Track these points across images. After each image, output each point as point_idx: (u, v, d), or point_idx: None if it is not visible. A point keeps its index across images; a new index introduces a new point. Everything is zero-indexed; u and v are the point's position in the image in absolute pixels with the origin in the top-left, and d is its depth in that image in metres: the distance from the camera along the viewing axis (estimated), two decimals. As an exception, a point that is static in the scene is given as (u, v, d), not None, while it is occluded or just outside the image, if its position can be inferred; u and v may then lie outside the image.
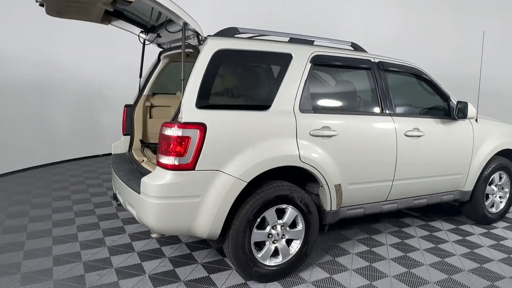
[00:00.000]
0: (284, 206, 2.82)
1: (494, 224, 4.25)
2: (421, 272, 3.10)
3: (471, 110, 3.60)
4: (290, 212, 2.84)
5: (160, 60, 3.66)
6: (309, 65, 2.98)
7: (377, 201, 3.38)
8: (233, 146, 2.60)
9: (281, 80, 2.87)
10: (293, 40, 3.14)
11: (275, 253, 2.87)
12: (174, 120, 2.54)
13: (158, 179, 2.49)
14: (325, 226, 3.11)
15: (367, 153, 3.17)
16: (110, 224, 3.92)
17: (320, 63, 3.05)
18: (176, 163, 2.46)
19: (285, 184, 2.80)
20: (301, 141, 2.82)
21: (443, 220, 4.34)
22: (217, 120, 2.56)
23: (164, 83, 3.94)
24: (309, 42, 3.18)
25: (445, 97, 3.77)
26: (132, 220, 4.00)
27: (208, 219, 2.57)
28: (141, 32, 3.60)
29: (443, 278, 3.01)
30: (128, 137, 3.77)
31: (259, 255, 2.79)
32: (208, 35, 2.76)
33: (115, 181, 3.19)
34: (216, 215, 2.57)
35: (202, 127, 2.49)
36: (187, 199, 2.52)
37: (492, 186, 4.15)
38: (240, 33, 2.91)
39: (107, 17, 3.41)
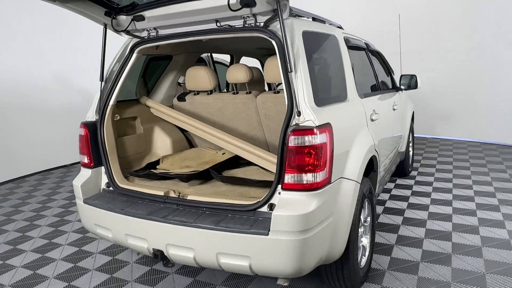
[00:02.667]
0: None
1: (410, 174, 5.17)
2: (428, 225, 3.51)
3: (419, 82, 4.20)
4: (367, 207, 2.66)
5: (132, 54, 2.62)
6: (346, 47, 2.77)
7: (385, 175, 3.56)
8: (346, 145, 2.20)
9: (342, 65, 2.58)
10: (316, 20, 2.83)
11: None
12: (296, 125, 1.91)
13: (301, 207, 1.86)
14: None
15: (387, 131, 3.27)
16: None
17: (348, 45, 2.88)
18: (319, 180, 1.90)
19: (364, 178, 2.59)
20: (370, 129, 2.65)
21: (380, 181, 4.96)
22: (334, 117, 2.10)
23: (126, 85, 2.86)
24: (323, 22, 2.94)
25: (389, 72, 4.24)
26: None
27: (340, 238, 2.12)
28: (106, 14, 2.45)
29: (445, 229, 3.51)
30: (98, 170, 2.59)
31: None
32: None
33: (154, 233, 2.15)
34: (346, 230, 2.15)
35: (331, 128, 1.99)
36: (326, 221, 1.99)
37: (407, 144, 4.99)
38: (294, 14, 2.42)
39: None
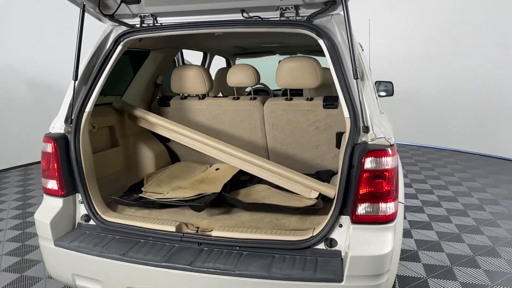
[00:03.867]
0: None
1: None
2: (421, 236, 3.47)
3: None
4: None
5: (117, 47, 2.03)
6: (362, 50, 2.52)
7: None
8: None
9: (370, 72, 2.30)
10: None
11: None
12: (365, 144, 1.58)
13: (381, 245, 1.55)
14: None
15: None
16: None
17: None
18: (394, 210, 1.59)
19: None
20: (392, 141, 2.43)
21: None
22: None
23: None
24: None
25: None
26: None
27: (395, 271, 1.84)
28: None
29: (432, 238, 3.51)
30: (70, 198, 1.95)
31: None
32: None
33: (175, 286, 1.62)
34: (397, 260, 1.88)
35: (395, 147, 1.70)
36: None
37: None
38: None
39: None
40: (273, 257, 1.64)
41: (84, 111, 1.98)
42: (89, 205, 1.93)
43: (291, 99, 2.40)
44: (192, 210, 2.07)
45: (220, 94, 3.41)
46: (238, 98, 2.50)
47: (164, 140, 2.74)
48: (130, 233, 1.85)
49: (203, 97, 2.57)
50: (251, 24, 1.85)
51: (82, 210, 1.97)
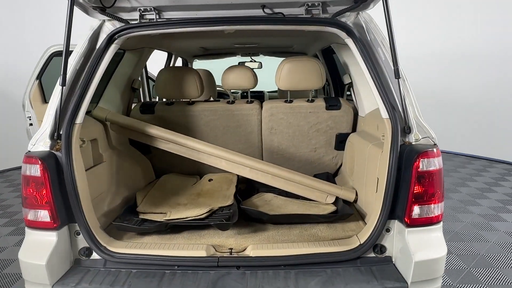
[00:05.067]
0: None
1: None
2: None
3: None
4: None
5: (110, 46, 1.73)
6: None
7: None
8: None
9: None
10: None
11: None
12: (410, 145, 1.55)
13: (438, 247, 1.54)
14: None
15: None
16: None
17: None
18: (442, 210, 1.58)
19: None
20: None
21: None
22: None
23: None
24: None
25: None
26: None
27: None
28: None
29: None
30: (64, 230, 1.61)
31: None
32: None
33: None
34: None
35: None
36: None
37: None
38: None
39: None
40: (325, 272, 1.52)
41: (74, 123, 1.63)
42: (90, 236, 1.60)
43: (291, 101, 2.29)
44: (207, 229, 1.84)
45: (211, 98, 3.15)
46: (233, 102, 2.31)
47: (145, 152, 2.43)
48: (148, 264, 1.57)
49: (192, 102, 2.33)
50: (274, 22, 1.70)
51: (80, 242, 1.62)
